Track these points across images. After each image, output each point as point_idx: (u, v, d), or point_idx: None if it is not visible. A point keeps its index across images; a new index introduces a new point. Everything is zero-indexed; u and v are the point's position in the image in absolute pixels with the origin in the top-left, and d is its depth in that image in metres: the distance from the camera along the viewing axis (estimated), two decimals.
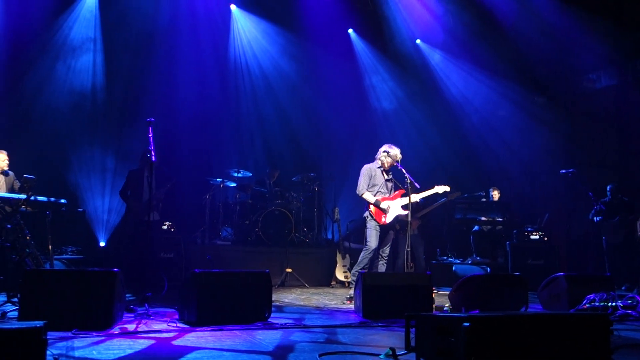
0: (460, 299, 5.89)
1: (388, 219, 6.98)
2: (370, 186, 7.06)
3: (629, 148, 10.81)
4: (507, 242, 9.60)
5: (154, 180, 8.31)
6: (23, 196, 6.19)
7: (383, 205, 6.95)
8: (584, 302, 5.88)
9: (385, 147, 7.13)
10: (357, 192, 7.10)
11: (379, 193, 7.05)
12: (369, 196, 7.01)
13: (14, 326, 2.80)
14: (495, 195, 10.24)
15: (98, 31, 10.39)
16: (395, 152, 7.05)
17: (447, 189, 7.40)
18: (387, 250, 7.10)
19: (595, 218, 9.38)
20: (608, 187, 9.51)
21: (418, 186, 6.95)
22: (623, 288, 8.63)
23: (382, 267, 7.04)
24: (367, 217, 7.04)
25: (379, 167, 7.12)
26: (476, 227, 10.03)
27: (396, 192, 7.15)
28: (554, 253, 9.57)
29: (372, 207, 7.00)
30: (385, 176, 7.15)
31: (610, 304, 5.79)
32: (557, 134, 11.49)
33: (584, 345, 3.31)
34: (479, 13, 10.91)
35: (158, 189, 8.31)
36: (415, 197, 7.07)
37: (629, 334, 4.86)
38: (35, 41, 9.74)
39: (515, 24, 10.77)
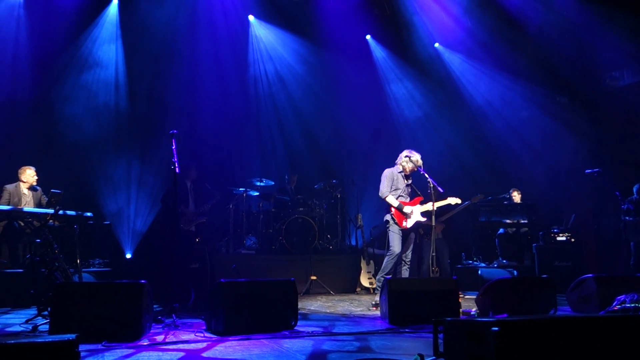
0: (488, 303, 5.82)
1: (409, 223, 6.99)
2: (392, 190, 7.08)
3: None
4: (534, 245, 9.49)
5: (195, 194, 8.76)
6: (51, 210, 6.30)
7: (406, 209, 6.96)
8: (614, 304, 5.77)
9: (406, 152, 7.15)
10: (380, 194, 7.10)
11: (400, 197, 7.07)
12: (392, 199, 7.02)
13: (47, 339, 2.84)
14: (515, 196, 10.13)
15: (120, 45, 10.58)
16: (416, 157, 7.07)
17: (459, 201, 7.45)
18: (409, 255, 7.08)
19: (624, 217, 9.21)
20: (635, 187, 9.34)
21: (442, 190, 6.94)
22: None
23: (405, 272, 7.02)
24: (389, 220, 7.03)
25: (400, 172, 7.13)
26: (501, 230, 9.94)
27: (415, 199, 7.15)
28: (581, 254, 9.44)
29: (393, 210, 7.00)
30: (406, 181, 7.16)
31: None
32: (581, 134, 11.32)
33: (617, 347, 3.25)
34: (499, 14, 10.84)
35: (203, 204, 8.72)
36: (429, 207, 6.99)
37: None
38: (59, 57, 9.96)
39: (536, 23, 10.68)
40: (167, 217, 8.37)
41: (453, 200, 7.37)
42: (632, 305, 5.70)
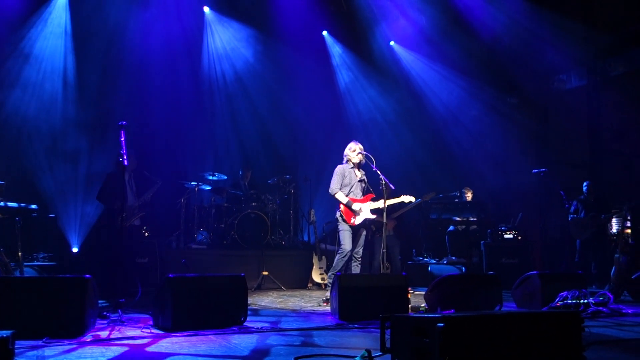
0: (436, 299, 5.92)
1: (357, 220, 6.94)
2: (343, 186, 7.04)
3: (599, 147, 11.01)
4: (482, 242, 9.69)
5: (135, 185, 8.29)
6: None
7: (355, 206, 6.93)
8: (556, 300, 5.97)
9: (348, 145, 7.16)
10: (329, 191, 7.04)
11: (351, 193, 7.04)
12: (341, 196, 6.97)
13: None
14: (469, 195, 10.33)
15: (68, 34, 10.21)
16: (357, 146, 7.08)
17: (412, 199, 7.41)
18: (360, 251, 7.06)
19: (571, 216, 9.48)
20: (585, 184, 9.57)
21: (393, 187, 6.94)
22: (594, 286, 8.75)
23: (356, 268, 7.01)
24: (339, 218, 7.02)
25: (352, 168, 7.12)
26: (451, 227, 10.11)
27: (366, 196, 7.15)
28: (527, 252, 9.69)
29: (342, 207, 6.98)
30: (358, 176, 7.14)
31: (582, 301, 5.89)
32: (529, 134, 11.67)
33: (557, 342, 3.35)
34: (452, 14, 11.01)
35: (144, 194, 8.25)
36: (380, 204, 6.97)
37: (600, 331, 4.93)
38: (3, 45, 9.53)
39: (487, 25, 10.90)
40: (106, 215, 7.87)
41: (407, 199, 7.33)
42: (574, 301, 5.90)
